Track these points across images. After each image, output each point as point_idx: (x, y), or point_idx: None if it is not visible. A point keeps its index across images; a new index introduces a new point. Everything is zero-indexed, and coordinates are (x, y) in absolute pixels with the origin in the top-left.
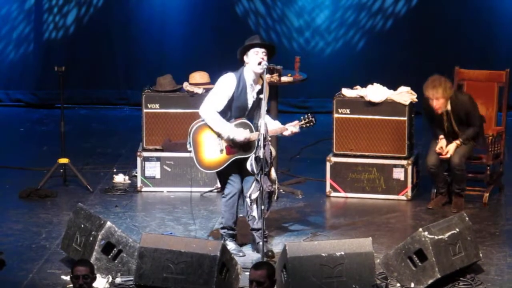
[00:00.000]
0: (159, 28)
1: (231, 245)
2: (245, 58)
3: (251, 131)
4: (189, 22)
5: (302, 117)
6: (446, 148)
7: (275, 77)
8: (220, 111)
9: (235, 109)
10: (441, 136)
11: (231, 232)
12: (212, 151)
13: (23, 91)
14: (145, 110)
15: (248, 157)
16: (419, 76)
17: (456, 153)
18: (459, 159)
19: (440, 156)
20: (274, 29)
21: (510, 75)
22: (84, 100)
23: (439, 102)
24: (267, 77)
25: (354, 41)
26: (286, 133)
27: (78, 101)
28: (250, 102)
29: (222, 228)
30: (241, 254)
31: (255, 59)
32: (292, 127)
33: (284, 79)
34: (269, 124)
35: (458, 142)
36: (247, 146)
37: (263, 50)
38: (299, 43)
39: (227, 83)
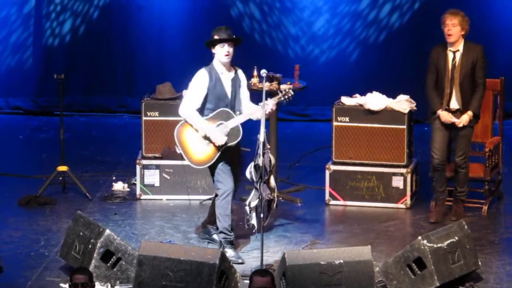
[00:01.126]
0: (158, 36)
1: (230, 252)
2: (212, 50)
3: (230, 118)
4: (189, 30)
5: (278, 91)
6: (459, 119)
7: (274, 85)
8: (200, 106)
9: (215, 100)
10: (439, 111)
11: (229, 238)
12: (200, 146)
13: (23, 99)
14: (144, 118)
15: (235, 145)
16: (418, 84)
17: (457, 150)
18: (463, 155)
19: (457, 124)
20: (274, 36)
21: (505, 83)
22: (84, 108)
23: (454, 28)
24: (266, 85)
25: (350, 49)
26: (267, 111)
27: (78, 108)
28: (228, 91)
29: (220, 232)
30: (240, 261)
31: (221, 52)
32: (271, 104)
33: (284, 87)
34: (248, 109)
35: (470, 113)
36: (232, 133)
37: (228, 43)
38: (299, 52)
39: (199, 79)
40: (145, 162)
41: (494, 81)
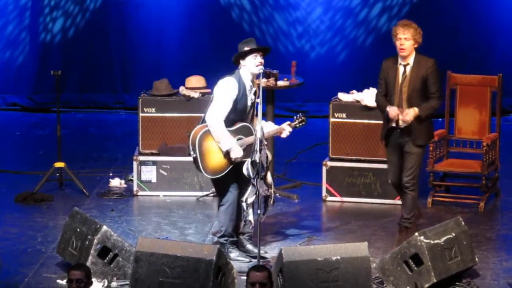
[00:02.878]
0: (156, 33)
1: (235, 253)
2: (241, 61)
3: (251, 134)
4: (186, 27)
5: (295, 117)
6: (404, 112)
7: (271, 81)
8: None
9: (237, 112)
10: (388, 108)
11: (231, 239)
12: (217, 156)
13: (19, 95)
14: (141, 114)
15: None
16: None
17: (406, 169)
18: (411, 175)
19: (400, 119)
20: (270, 33)
21: (503, 80)
22: (81, 104)
23: (407, 42)
24: (263, 81)
25: (350, 45)
26: (283, 135)
27: (75, 105)
28: (249, 104)
29: (222, 236)
30: (247, 259)
31: (253, 62)
32: (288, 128)
33: (281, 83)
34: (265, 127)
35: (416, 110)
36: (248, 149)
37: (260, 53)
38: (297, 48)
39: (230, 89)
40: (142, 158)
41: (492, 78)
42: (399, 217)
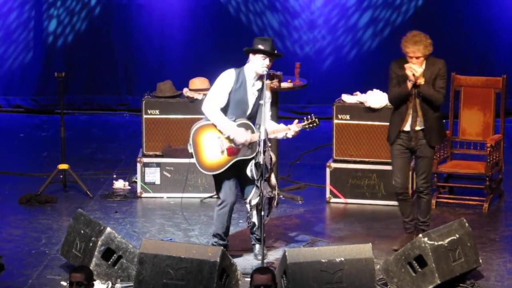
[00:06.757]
0: (159, 34)
1: None
2: (251, 55)
3: (253, 132)
4: (189, 28)
5: (305, 118)
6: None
7: (275, 83)
8: (222, 108)
9: (236, 106)
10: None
11: (221, 242)
12: (213, 153)
13: (23, 97)
14: (145, 116)
15: (249, 159)
16: None
17: (419, 173)
18: (425, 179)
19: (413, 77)
20: (273, 34)
21: (507, 81)
22: (84, 106)
23: (418, 61)
24: (267, 82)
25: (354, 46)
26: (289, 134)
27: (78, 106)
28: (250, 99)
29: (214, 236)
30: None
31: (260, 63)
32: (295, 127)
33: (284, 85)
34: (273, 126)
35: (423, 80)
36: (248, 147)
37: (270, 57)
38: (301, 50)
39: (225, 77)
40: (145, 160)
41: (496, 79)
42: (404, 219)
